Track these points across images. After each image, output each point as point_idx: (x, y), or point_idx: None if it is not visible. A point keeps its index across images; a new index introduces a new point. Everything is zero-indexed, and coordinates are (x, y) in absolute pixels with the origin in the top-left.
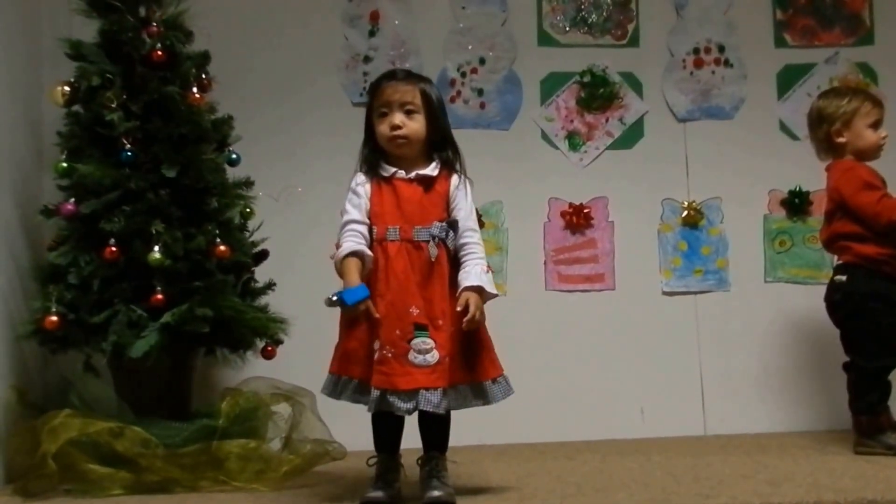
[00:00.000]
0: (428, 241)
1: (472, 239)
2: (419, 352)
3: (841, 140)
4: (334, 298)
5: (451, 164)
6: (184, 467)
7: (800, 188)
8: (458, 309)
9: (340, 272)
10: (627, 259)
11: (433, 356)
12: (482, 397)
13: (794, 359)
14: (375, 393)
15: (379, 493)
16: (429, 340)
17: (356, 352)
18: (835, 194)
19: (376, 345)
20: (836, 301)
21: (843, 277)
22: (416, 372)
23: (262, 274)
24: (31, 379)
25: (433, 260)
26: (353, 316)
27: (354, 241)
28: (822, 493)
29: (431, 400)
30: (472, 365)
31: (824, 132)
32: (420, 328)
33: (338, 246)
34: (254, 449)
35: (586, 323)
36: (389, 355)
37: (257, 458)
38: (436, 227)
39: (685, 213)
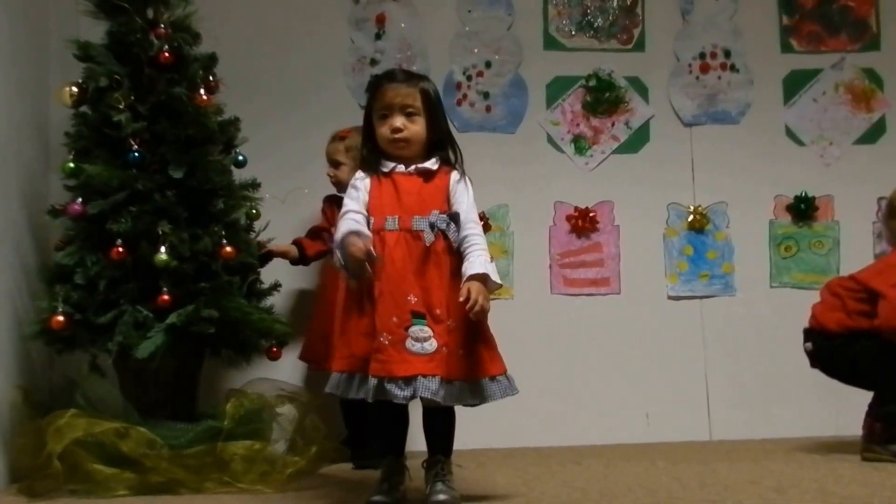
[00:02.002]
0: (425, 230)
1: (473, 231)
2: (417, 339)
3: None
4: (340, 262)
5: (451, 162)
6: (189, 468)
7: (805, 193)
8: (461, 299)
9: (342, 250)
10: (633, 263)
11: (431, 344)
12: (480, 394)
13: (800, 364)
14: (373, 381)
15: (384, 497)
16: (426, 329)
17: (366, 347)
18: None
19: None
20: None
21: (809, 345)
22: (414, 359)
23: (267, 275)
24: (36, 379)
25: (428, 245)
26: (365, 271)
27: (351, 224)
28: (829, 499)
29: (430, 387)
30: (472, 361)
31: None
32: (417, 316)
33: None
34: (259, 450)
35: (591, 327)
36: (386, 343)
37: (262, 459)
38: (433, 215)
39: (691, 217)
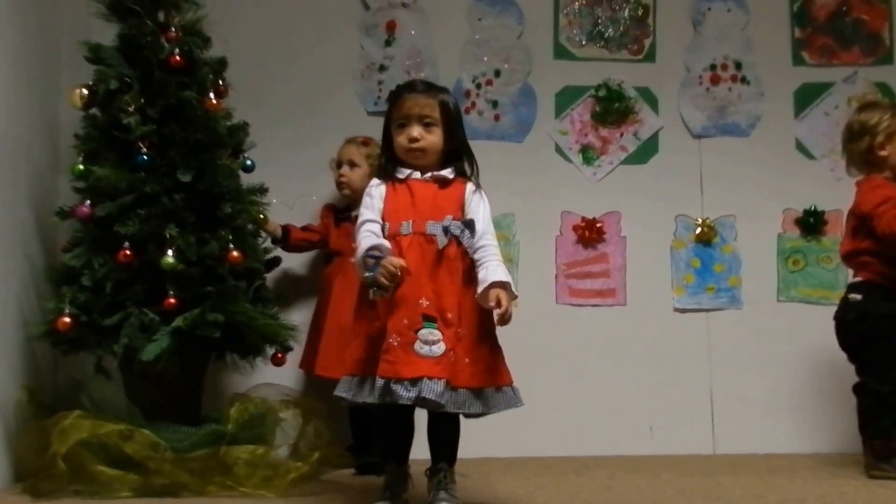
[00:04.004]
0: (437, 234)
1: (490, 242)
2: (425, 342)
3: (883, 153)
4: (367, 275)
5: (466, 174)
6: (192, 472)
7: (815, 207)
8: (492, 304)
9: (366, 265)
10: (639, 275)
11: (439, 347)
12: (483, 404)
13: (806, 379)
14: (380, 382)
15: None
16: (436, 332)
17: (376, 350)
18: (857, 209)
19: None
20: (849, 320)
21: (858, 296)
22: (421, 361)
23: (273, 280)
24: (42, 379)
25: (440, 248)
26: (387, 287)
27: (370, 238)
28: None
29: (434, 389)
30: (478, 370)
31: (866, 144)
32: (428, 319)
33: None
34: (262, 455)
35: (596, 338)
36: (395, 344)
37: (265, 464)
38: (447, 220)
39: (699, 229)
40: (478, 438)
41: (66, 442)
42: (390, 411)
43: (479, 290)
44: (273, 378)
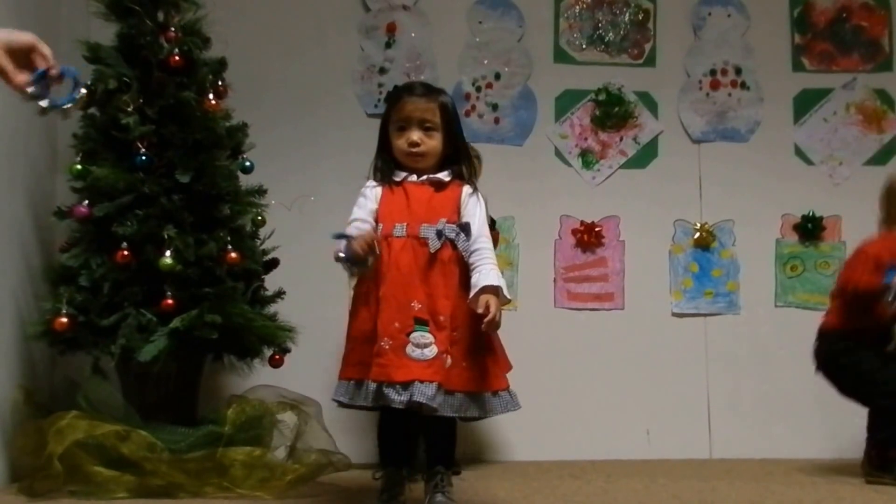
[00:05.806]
0: (430, 238)
1: (485, 245)
2: (417, 345)
3: None
4: (341, 254)
5: (463, 177)
6: (189, 473)
7: (813, 213)
8: (480, 310)
9: (348, 247)
10: (638, 279)
11: (431, 351)
12: (481, 408)
13: (803, 384)
14: (372, 386)
15: None
16: (428, 335)
17: (370, 353)
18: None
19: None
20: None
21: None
22: (413, 365)
23: (271, 282)
24: (39, 379)
25: (432, 252)
26: (364, 258)
27: (355, 232)
28: None
29: (426, 392)
30: (475, 374)
31: None
32: (420, 322)
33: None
34: (259, 457)
35: (594, 342)
36: (387, 347)
37: (262, 465)
38: (441, 223)
39: (697, 234)
40: (475, 442)
41: (62, 442)
42: (389, 414)
43: (471, 294)
44: (270, 380)
